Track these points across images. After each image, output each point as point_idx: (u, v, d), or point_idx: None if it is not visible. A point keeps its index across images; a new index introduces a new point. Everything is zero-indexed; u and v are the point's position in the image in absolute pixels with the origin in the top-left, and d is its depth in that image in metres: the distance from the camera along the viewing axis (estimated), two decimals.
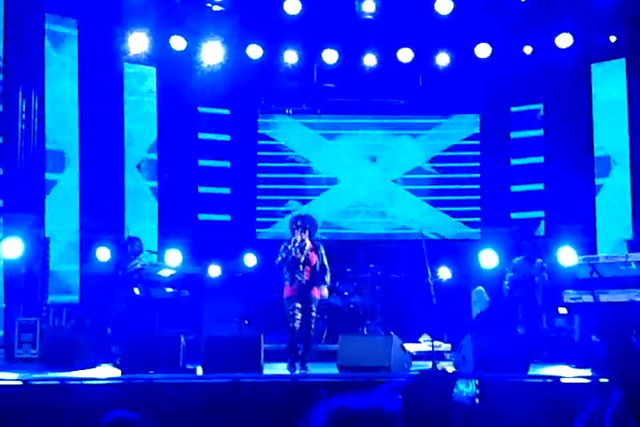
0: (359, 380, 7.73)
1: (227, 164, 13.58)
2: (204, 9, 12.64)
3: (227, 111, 13.62)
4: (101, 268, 11.13)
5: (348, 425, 2.19)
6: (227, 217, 13.47)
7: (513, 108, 13.48)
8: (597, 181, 12.39)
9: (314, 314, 8.85)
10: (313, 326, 8.86)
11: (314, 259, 8.91)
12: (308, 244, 8.91)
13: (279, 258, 8.91)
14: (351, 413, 2.17)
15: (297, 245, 8.84)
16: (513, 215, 13.33)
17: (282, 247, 8.98)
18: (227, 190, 13.53)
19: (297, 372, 8.65)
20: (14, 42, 10.69)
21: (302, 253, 8.84)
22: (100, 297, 10.63)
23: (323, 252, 9.01)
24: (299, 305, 8.77)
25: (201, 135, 13.45)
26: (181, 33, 12.67)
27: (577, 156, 12.54)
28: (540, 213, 13.12)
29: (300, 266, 8.84)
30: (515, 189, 13.39)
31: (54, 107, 11.41)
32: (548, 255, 11.38)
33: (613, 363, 2.98)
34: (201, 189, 13.35)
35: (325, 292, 9.05)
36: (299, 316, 8.74)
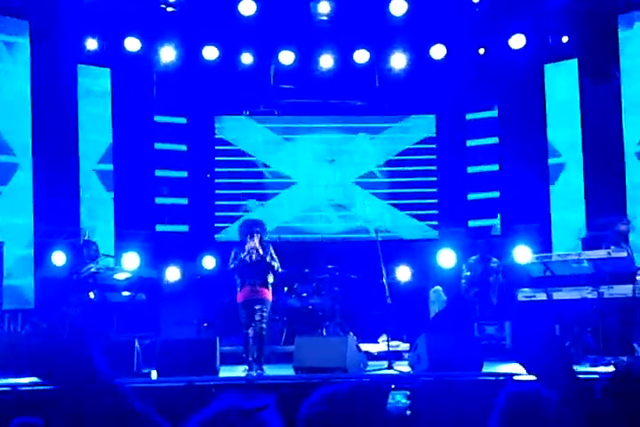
0: (314, 381, 7.73)
1: (184, 173, 13.50)
2: (158, 10, 12.56)
3: (183, 120, 13.50)
4: (57, 272, 11.02)
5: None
6: (184, 227, 13.38)
7: (468, 116, 13.56)
8: (552, 185, 12.54)
9: (265, 314, 8.91)
10: (265, 326, 8.91)
11: (264, 262, 8.98)
12: (259, 248, 8.99)
13: (231, 265, 9.03)
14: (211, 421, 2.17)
15: (248, 250, 8.94)
16: (470, 223, 13.44)
17: (232, 253, 9.09)
18: (184, 201, 13.45)
19: (254, 374, 8.64)
20: None
21: (253, 258, 8.93)
22: (55, 302, 10.52)
23: (272, 251, 9.11)
24: (251, 309, 8.86)
25: (157, 145, 13.34)
26: (135, 34, 12.59)
27: (532, 161, 12.67)
28: (496, 221, 13.28)
29: (252, 270, 8.93)
30: (471, 196, 13.50)
31: (5, 111, 11.27)
32: (504, 254, 11.49)
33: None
34: (158, 200, 13.24)
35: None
36: (252, 320, 8.84)
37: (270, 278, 9.08)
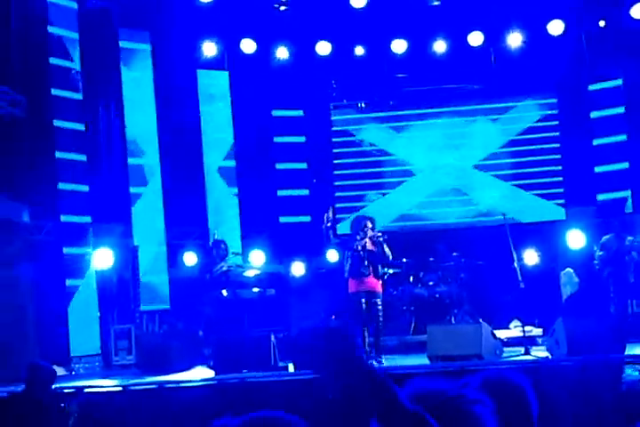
0: (451, 369, 7.66)
1: (304, 165, 13.64)
2: (271, 10, 12.73)
3: (300, 112, 13.66)
4: (189, 272, 11.37)
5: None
6: (307, 218, 13.51)
7: (591, 87, 13.06)
8: None
9: (380, 307, 9.17)
10: (381, 318, 9.15)
11: (374, 255, 9.22)
12: (369, 241, 9.21)
13: (346, 275, 9.32)
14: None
15: (362, 244, 9.18)
16: (599, 197, 12.93)
17: (346, 259, 9.38)
18: (306, 192, 13.59)
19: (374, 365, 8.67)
20: (90, 59, 11.01)
21: (365, 251, 9.17)
22: (189, 301, 10.84)
23: (384, 245, 9.27)
24: (364, 300, 9.11)
25: (276, 139, 13.54)
26: (251, 36, 12.82)
27: None
28: (627, 193, 12.68)
29: (365, 261, 9.15)
30: (598, 169, 12.95)
31: (134, 121, 11.70)
32: (638, 232, 11.05)
33: None
34: (280, 193, 13.44)
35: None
36: (365, 311, 9.08)
37: (381, 270, 9.37)
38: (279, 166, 13.50)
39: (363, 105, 13.81)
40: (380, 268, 9.40)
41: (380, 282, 9.39)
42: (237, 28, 12.75)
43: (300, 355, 8.27)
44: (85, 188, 10.73)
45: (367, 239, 9.22)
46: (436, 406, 2.00)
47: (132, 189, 11.64)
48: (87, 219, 10.66)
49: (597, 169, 12.96)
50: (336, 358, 2.03)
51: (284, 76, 13.25)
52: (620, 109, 12.81)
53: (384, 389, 1.96)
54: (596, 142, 12.98)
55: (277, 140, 13.54)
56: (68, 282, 10.30)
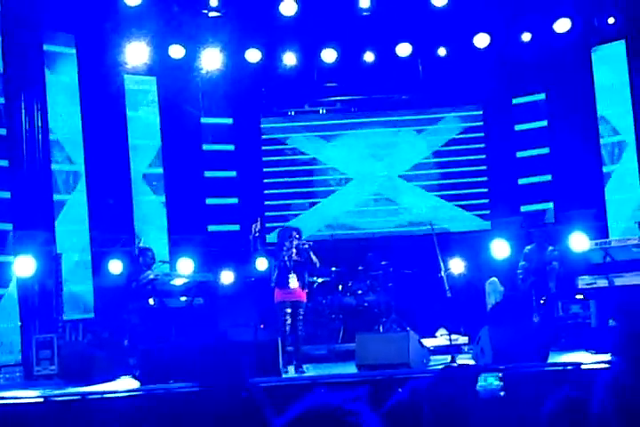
0: (379, 378, 7.70)
1: (233, 173, 13.57)
2: (200, 16, 12.63)
3: (229, 120, 13.58)
4: (114, 281, 11.16)
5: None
6: (236, 227, 13.43)
7: (515, 100, 13.37)
8: (605, 168, 12.30)
9: (301, 317, 9.31)
10: (301, 327, 9.30)
11: (300, 265, 9.34)
12: (294, 251, 9.32)
13: (273, 284, 9.44)
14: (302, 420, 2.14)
15: (288, 254, 9.29)
16: (523, 208, 13.24)
17: (274, 269, 9.52)
18: (235, 200, 13.52)
19: (293, 375, 8.73)
20: (13, 62, 10.73)
21: (290, 260, 9.28)
22: (114, 310, 10.65)
23: (311, 255, 9.38)
24: (288, 310, 9.21)
25: (205, 146, 13.45)
26: (179, 41, 12.69)
27: (583, 144, 12.45)
28: (550, 205, 13.04)
29: (290, 272, 9.25)
30: (522, 181, 13.29)
31: (58, 126, 11.45)
32: (559, 242, 11.32)
33: (628, 346, 2.96)
34: (209, 201, 13.34)
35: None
36: (289, 321, 9.19)
37: (308, 278, 9.60)
38: (208, 174, 13.39)
39: (292, 113, 13.83)
40: (306, 277, 9.51)
41: (306, 291, 9.50)
42: (166, 33, 12.61)
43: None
44: (7, 194, 10.44)
45: (294, 249, 9.29)
46: (317, 418, 2.04)
47: (57, 196, 11.39)
48: (8, 226, 10.38)
49: (521, 181, 13.27)
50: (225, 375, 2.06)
51: (213, 83, 13.15)
52: (543, 123, 13.13)
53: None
54: (520, 155, 13.29)
55: (206, 147, 13.44)
56: None
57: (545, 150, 13.11)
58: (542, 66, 12.95)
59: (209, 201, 13.31)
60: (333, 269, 11.78)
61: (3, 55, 10.54)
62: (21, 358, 10.05)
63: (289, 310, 9.20)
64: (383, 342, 8.82)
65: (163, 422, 6.96)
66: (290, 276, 9.23)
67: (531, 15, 12.59)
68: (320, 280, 11.50)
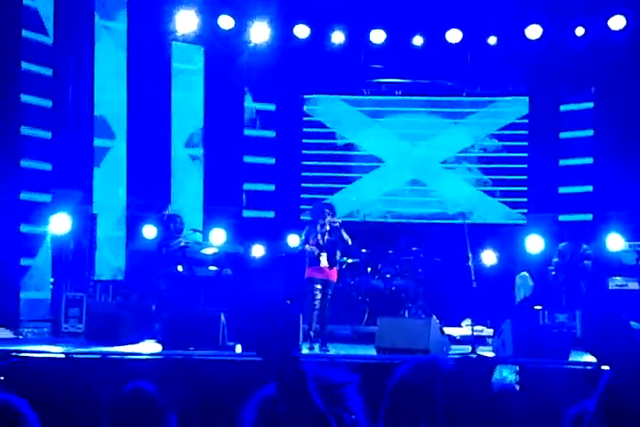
0: (396, 362, 7.71)
1: (272, 134, 13.60)
2: None
3: (272, 106, 13.61)
4: (147, 245, 11.27)
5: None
6: (271, 187, 13.47)
7: (562, 107, 13.16)
8: None
9: (330, 296, 9.29)
10: (328, 307, 9.28)
11: (332, 245, 9.28)
12: (327, 230, 9.25)
13: (300, 247, 9.47)
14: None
15: (320, 230, 9.23)
16: (561, 190, 13.06)
17: (305, 231, 9.44)
18: (272, 161, 13.56)
19: (316, 351, 8.75)
20: (64, 7, 10.74)
21: (323, 239, 9.22)
22: (145, 274, 10.78)
23: (342, 232, 9.32)
24: (319, 286, 9.19)
25: (248, 104, 13.49)
26: (229, 12, 12.69)
27: (630, 150, 12.25)
28: (589, 188, 12.82)
29: (324, 251, 9.21)
30: (563, 163, 13.09)
31: (103, 76, 11.50)
32: (595, 241, 11.21)
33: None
34: (247, 160, 13.40)
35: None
36: (319, 297, 9.16)
37: (339, 259, 9.49)
38: (247, 132, 13.49)
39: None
40: (337, 256, 9.45)
41: (336, 270, 9.45)
42: (216, 3, 12.62)
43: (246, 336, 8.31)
44: (48, 166, 10.49)
45: (327, 226, 9.24)
46: None
47: (98, 142, 11.44)
48: (47, 197, 10.47)
49: (561, 190, 13.06)
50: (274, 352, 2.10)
51: (259, 58, 13.12)
52: (589, 132, 12.85)
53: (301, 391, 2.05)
54: (562, 163, 13.08)
55: (248, 132, 13.47)
56: (24, 228, 10.12)
57: (589, 160, 12.86)
58: (593, 60, 12.73)
59: (246, 159, 13.39)
60: (364, 250, 11.77)
61: (54, 27, 10.57)
62: (50, 314, 10.23)
63: (319, 287, 9.19)
64: (404, 327, 8.82)
65: (181, 387, 7.06)
66: (321, 254, 9.21)
67: (586, 10, 12.38)
68: (350, 261, 11.50)
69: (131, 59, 11.76)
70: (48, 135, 10.45)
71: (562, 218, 13.00)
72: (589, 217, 12.68)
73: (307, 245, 9.30)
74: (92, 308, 10.05)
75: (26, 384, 6.99)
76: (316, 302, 9.14)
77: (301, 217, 13.43)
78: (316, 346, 9.03)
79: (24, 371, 7.09)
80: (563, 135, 13.15)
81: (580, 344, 8.91)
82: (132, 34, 11.76)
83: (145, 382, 3.21)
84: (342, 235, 9.30)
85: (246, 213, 13.31)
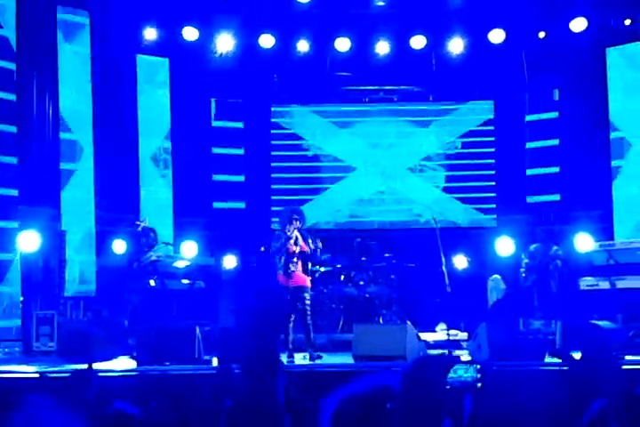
0: (375, 369, 7.71)
1: (240, 151, 13.58)
2: None
3: (240, 124, 13.62)
4: (117, 260, 11.16)
5: (354, 412, 2.19)
6: (241, 204, 13.49)
7: (528, 118, 13.31)
8: (614, 163, 12.23)
9: (307, 302, 9.16)
10: (309, 313, 9.13)
11: (306, 249, 9.20)
12: (299, 235, 9.19)
13: (274, 247, 9.26)
14: (354, 399, 2.18)
15: (290, 236, 9.15)
16: (529, 199, 13.19)
17: (275, 238, 9.34)
18: (241, 178, 13.53)
19: (299, 362, 8.69)
20: (27, 32, 10.70)
21: (296, 245, 9.15)
22: (116, 289, 10.67)
23: (311, 241, 9.28)
24: (291, 296, 9.09)
25: (215, 123, 13.46)
26: (193, 23, 12.66)
27: (593, 137, 12.40)
28: (556, 197, 12.98)
29: (295, 257, 9.14)
30: (530, 172, 13.23)
31: (68, 97, 11.42)
32: (564, 242, 11.29)
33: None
34: (215, 177, 13.37)
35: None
36: (294, 308, 9.07)
37: (309, 266, 9.39)
38: (216, 151, 13.44)
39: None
40: (309, 263, 9.40)
41: (309, 278, 9.39)
42: (180, 15, 12.58)
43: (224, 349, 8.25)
44: (14, 160, 10.41)
45: (296, 233, 9.16)
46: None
47: (64, 166, 11.36)
48: (14, 192, 10.37)
49: (529, 172, 13.18)
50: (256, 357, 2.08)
51: (225, 68, 13.10)
52: (555, 141, 13.01)
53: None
54: (529, 145, 13.21)
55: (215, 124, 13.42)
56: None
57: (555, 142, 13.01)
58: (556, 64, 12.87)
59: (216, 177, 13.37)
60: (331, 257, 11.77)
61: (17, 21, 10.48)
62: (21, 333, 10.09)
63: (291, 296, 9.09)
64: (380, 334, 8.82)
65: (157, 403, 6.99)
66: (292, 260, 9.12)
67: (547, 13, 12.52)
68: (322, 269, 11.50)
69: (95, 76, 11.67)
70: (14, 160, 10.37)
71: (529, 199, 13.12)
72: (557, 197, 12.83)
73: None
74: (64, 325, 9.93)
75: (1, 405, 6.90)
76: (301, 312, 9.05)
77: (272, 219, 13.43)
78: (299, 356, 8.94)
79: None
80: (529, 145, 13.26)
81: (557, 354, 8.98)
82: (95, 52, 11.68)
83: (125, 404, 3.18)
84: (309, 243, 9.23)
85: (217, 205, 13.26)
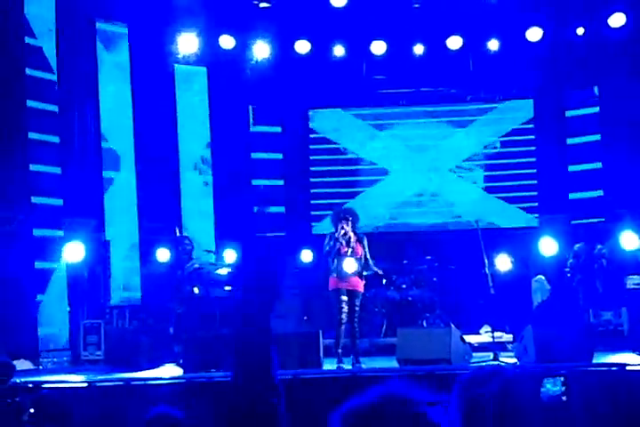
0: (419, 373, 7.68)
1: (279, 156, 13.63)
2: (251, 7, 12.68)
3: (278, 128, 13.67)
4: (161, 268, 11.28)
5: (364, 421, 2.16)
6: (281, 208, 13.54)
7: (568, 113, 13.14)
8: None
9: (357, 308, 8.78)
10: (357, 319, 8.78)
11: (359, 251, 8.83)
12: (353, 236, 8.81)
13: (327, 247, 8.86)
14: (364, 409, 2.15)
15: (343, 237, 8.75)
16: (571, 196, 13.02)
17: (327, 239, 8.93)
18: (280, 182, 13.60)
19: (347, 367, 8.58)
20: (67, 44, 10.87)
21: (348, 246, 8.77)
22: (161, 297, 10.78)
23: (366, 244, 8.92)
24: (345, 298, 8.70)
25: (253, 128, 13.53)
26: (230, 32, 12.77)
27: (635, 132, 12.21)
28: (599, 193, 12.78)
29: (347, 258, 8.76)
30: (572, 168, 13.06)
31: (108, 107, 11.58)
32: (609, 240, 11.15)
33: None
34: (255, 182, 13.46)
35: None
36: (345, 309, 8.66)
37: (360, 268, 8.86)
38: (255, 156, 13.53)
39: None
40: (361, 266, 8.85)
41: (363, 282, 8.92)
42: (216, 24, 12.69)
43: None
44: (58, 170, 10.57)
45: (351, 233, 8.74)
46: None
47: (105, 174, 11.50)
48: (59, 201, 10.53)
49: (571, 168, 13.01)
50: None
51: (262, 73, 13.17)
52: (597, 137, 12.84)
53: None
54: (570, 141, 13.03)
55: (254, 129, 13.50)
56: (38, 265, 10.16)
57: (596, 137, 12.83)
58: (595, 60, 12.72)
59: (255, 182, 13.42)
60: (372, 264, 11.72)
61: (56, 34, 10.65)
62: (69, 343, 10.23)
63: (345, 298, 8.65)
64: (425, 337, 8.78)
65: (204, 410, 7.05)
66: (346, 259, 8.71)
67: (585, 9, 12.39)
68: (364, 273, 11.47)
69: (135, 86, 11.80)
70: (58, 170, 10.53)
71: (572, 196, 12.94)
72: (601, 218, 12.61)
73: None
74: (110, 334, 10.06)
75: (52, 415, 7.00)
76: (343, 316, 8.64)
77: (313, 232, 13.44)
78: (346, 361, 8.83)
79: (49, 402, 7.08)
80: (570, 141, 13.10)
81: (626, 342, 8.86)
82: (134, 62, 11.82)
83: (169, 408, 3.21)
84: (366, 248, 8.88)
85: (259, 234, 13.32)
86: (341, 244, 8.74)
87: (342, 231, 8.76)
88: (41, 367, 9.70)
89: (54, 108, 10.58)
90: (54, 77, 10.59)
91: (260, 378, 2.10)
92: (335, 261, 8.78)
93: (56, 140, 10.56)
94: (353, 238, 8.80)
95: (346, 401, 2.02)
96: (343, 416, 1.99)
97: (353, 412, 1.99)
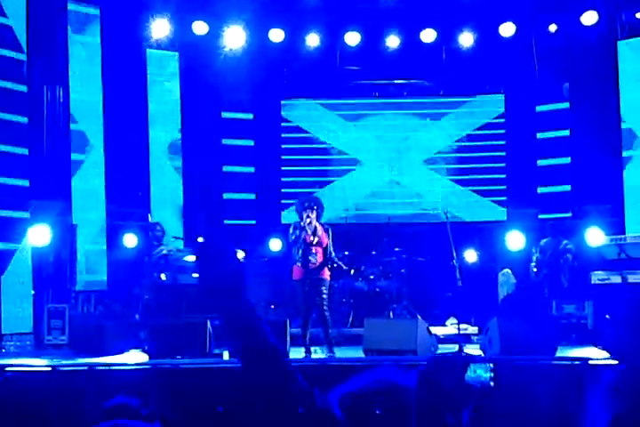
0: (385, 363, 7.70)
1: (251, 142, 13.57)
2: None
3: (250, 115, 13.61)
4: (128, 254, 11.21)
5: (360, 407, 2.19)
6: (252, 195, 13.50)
7: (538, 108, 13.23)
8: (625, 154, 12.17)
9: (325, 296, 8.76)
10: (326, 307, 8.76)
11: (325, 240, 8.82)
12: (318, 225, 8.80)
13: (292, 237, 8.85)
14: (361, 393, 2.17)
15: (308, 226, 8.72)
16: (540, 190, 13.14)
17: (291, 228, 8.92)
18: (251, 169, 13.54)
19: (322, 356, 8.62)
20: (37, 22, 10.69)
21: (314, 235, 8.75)
22: (127, 283, 10.70)
23: (330, 235, 8.89)
24: (307, 289, 8.70)
25: (224, 114, 13.44)
26: (203, 18, 12.66)
27: (603, 128, 12.34)
28: (567, 188, 12.91)
29: (313, 248, 8.76)
30: (541, 163, 13.17)
31: (78, 90, 11.43)
32: (575, 236, 11.28)
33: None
34: (225, 168, 13.38)
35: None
36: (310, 301, 8.71)
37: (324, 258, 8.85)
38: (226, 142, 13.41)
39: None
40: (328, 254, 8.85)
41: (329, 271, 8.91)
42: (190, 9, 12.58)
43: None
44: (25, 151, 10.40)
45: (315, 223, 8.72)
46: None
47: (74, 156, 11.35)
48: (25, 182, 10.37)
49: (540, 162, 13.12)
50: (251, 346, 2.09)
51: (234, 61, 13.09)
52: (565, 105, 12.96)
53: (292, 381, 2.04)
54: (540, 136, 13.14)
55: (225, 115, 13.41)
56: (2, 245, 10.03)
57: (565, 132, 12.95)
58: (567, 57, 12.83)
59: (226, 168, 13.33)
60: (346, 253, 11.76)
61: (27, 13, 10.48)
62: (33, 327, 10.12)
63: (307, 289, 8.67)
64: (391, 328, 8.82)
65: (168, 397, 7.02)
66: (311, 252, 8.71)
67: (558, 7, 12.48)
68: (328, 266, 11.47)
69: (105, 69, 11.66)
70: (25, 151, 10.37)
71: (541, 190, 13.06)
72: (569, 213, 12.74)
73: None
74: (75, 319, 9.95)
75: (14, 398, 6.94)
76: (308, 305, 8.70)
77: (282, 222, 13.41)
78: (318, 350, 8.86)
79: (12, 385, 7.03)
80: (540, 135, 13.21)
81: (590, 336, 8.93)
82: (105, 45, 11.68)
83: (127, 397, 3.19)
84: (330, 238, 8.85)
85: (227, 221, 13.26)
86: (307, 233, 8.73)
87: (307, 220, 8.74)
88: (4, 351, 9.60)
89: (23, 88, 10.42)
90: (24, 57, 10.43)
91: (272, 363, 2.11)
92: (300, 250, 8.76)
93: (24, 120, 10.41)
94: (319, 228, 8.78)
95: (340, 385, 2.04)
96: (341, 398, 2.01)
97: (349, 394, 2.01)
